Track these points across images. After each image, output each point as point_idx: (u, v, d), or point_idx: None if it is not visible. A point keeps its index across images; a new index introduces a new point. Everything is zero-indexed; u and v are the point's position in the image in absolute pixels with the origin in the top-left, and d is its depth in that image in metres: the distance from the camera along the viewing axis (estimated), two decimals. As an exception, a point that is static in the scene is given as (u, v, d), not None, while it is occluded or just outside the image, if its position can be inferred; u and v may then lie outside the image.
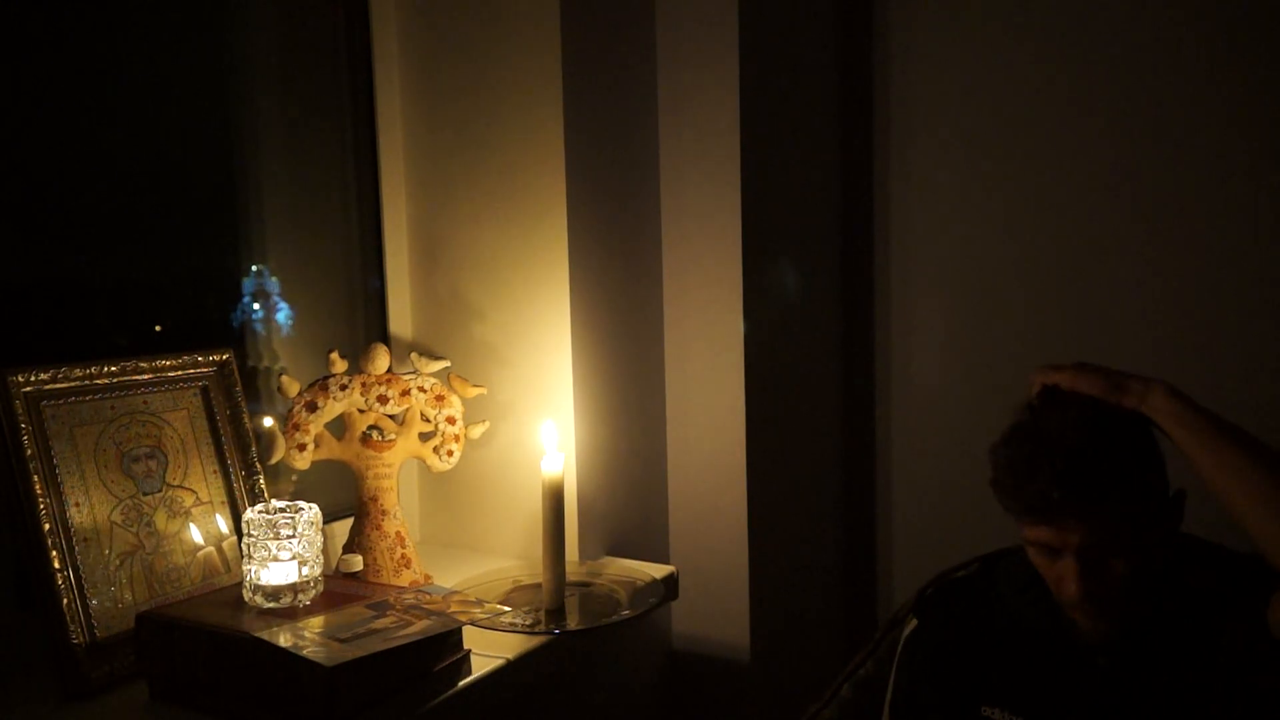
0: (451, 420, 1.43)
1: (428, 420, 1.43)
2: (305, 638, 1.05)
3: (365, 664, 1.02)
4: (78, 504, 1.16)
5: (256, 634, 1.05)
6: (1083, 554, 1.13)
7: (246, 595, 1.15)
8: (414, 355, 1.45)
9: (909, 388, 1.95)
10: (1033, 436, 1.15)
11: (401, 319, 1.68)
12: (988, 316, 1.88)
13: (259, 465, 1.34)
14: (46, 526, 1.12)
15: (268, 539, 1.14)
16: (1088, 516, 1.12)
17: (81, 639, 1.12)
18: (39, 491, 1.13)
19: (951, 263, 1.90)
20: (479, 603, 1.25)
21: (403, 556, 1.39)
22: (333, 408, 1.38)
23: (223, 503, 1.30)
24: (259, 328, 1.59)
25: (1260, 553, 1.09)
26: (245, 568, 1.15)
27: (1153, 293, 1.73)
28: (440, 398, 1.43)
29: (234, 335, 1.56)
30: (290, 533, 1.14)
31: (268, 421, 1.34)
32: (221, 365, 1.34)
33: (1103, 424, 1.16)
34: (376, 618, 1.12)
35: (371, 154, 1.66)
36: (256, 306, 1.59)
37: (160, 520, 1.24)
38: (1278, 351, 1.65)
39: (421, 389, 1.42)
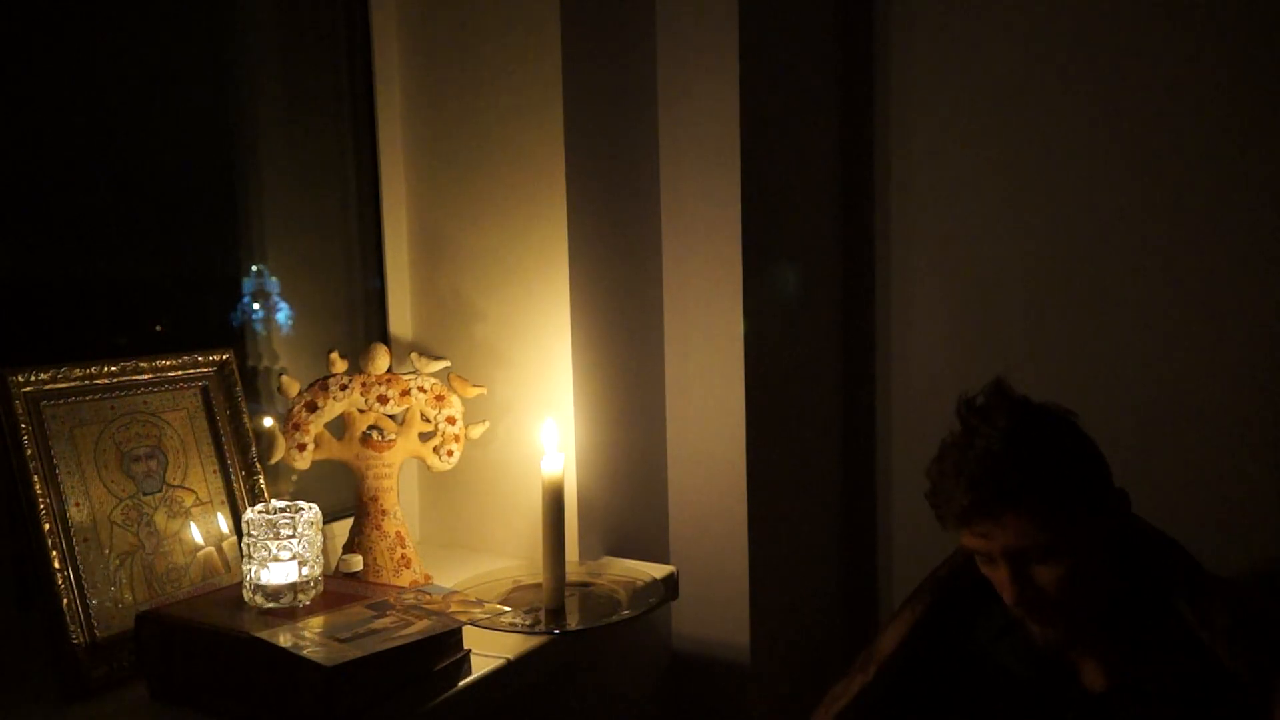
0: (451, 420, 1.43)
1: (428, 420, 1.43)
2: (305, 638, 1.05)
3: (365, 664, 1.02)
4: (78, 504, 1.16)
5: (256, 634, 1.05)
6: (1010, 558, 1.14)
7: (246, 595, 1.15)
8: (414, 355, 1.45)
9: (909, 387, 1.95)
10: (957, 447, 1.18)
11: (401, 319, 1.68)
12: (989, 315, 1.88)
13: (259, 465, 1.34)
14: (46, 526, 1.12)
15: (268, 539, 1.14)
16: (1002, 520, 1.13)
17: (81, 639, 1.12)
18: (39, 491, 1.13)
19: (952, 261, 1.90)
20: (479, 603, 1.25)
21: (403, 556, 1.39)
22: (333, 408, 1.38)
23: (223, 503, 1.30)
24: (259, 328, 1.59)
25: None
26: (245, 568, 1.15)
27: (1153, 290, 1.73)
28: (440, 398, 1.43)
29: (234, 335, 1.56)
30: (290, 533, 1.14)
31: (268, 421, 1.34)
32: (221, 365, 1.34)
33: (1026, 431, 1.16)
34: (376, 618, 1.12)
35: (371, 154, 1.66)
36: (256, 306, 1.59)
37: (160, 520, 1.24)
38: (1278, 351, 1.65)
39: (421, 389, 1.42)
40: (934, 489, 1.20)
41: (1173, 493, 1.67)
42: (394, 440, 1.40)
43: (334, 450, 1.39)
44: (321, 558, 1.18)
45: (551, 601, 1.29)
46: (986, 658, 1.28)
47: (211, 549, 1.27)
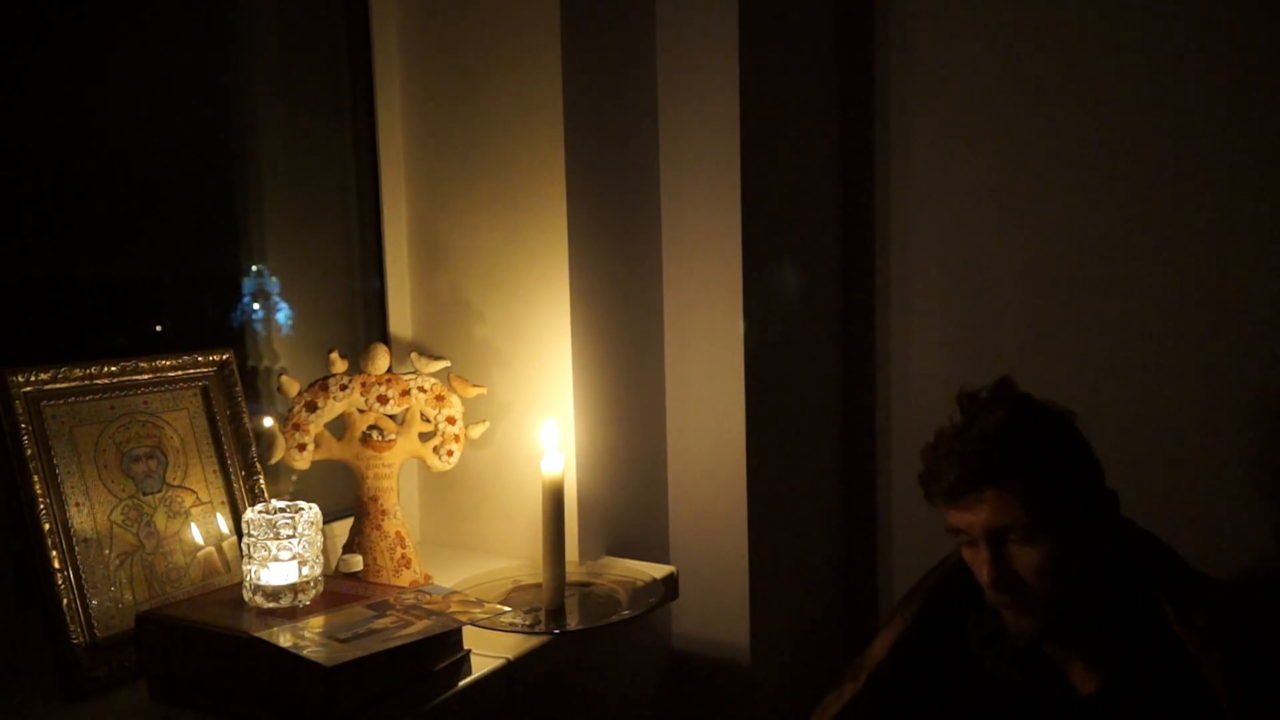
0: (451, 420, 1.43)
1: (428, 420, 1.43)
2: (305, 638, 1.05)
3: (365, 664, 1.02)
4: (78, 504, 1.16)
5: (256, 634, 1.05)
6: (990, 538, 1.16)
7: (246, 595, 1.15)
8: (414, 355, 1.45)
9: (909, 387, 1.95)
10: (954, 430, 1.20)
11: (401, 319, 1.68)
12: (988, 316, 1.88)
13: (259, 465, 1.34)
14: (46, 526, 1.12)
15: (268, 539, 1.14)
16: (985, 496, 1.15)
17: (81, 639, 1.12)
18: (39, 491, 1.13)
19: (952, 262, 1.90)
20: (479, 603, 1.25)
21: (403, 556, 1.39)
22: (333, 408, 1.38)
23: (223, 503, 1.30)
24: (259, 328, 1.59)
25: None
26: (245, 568, 1.15)
27: (1152, 294, 1.73)
28: (440, 398, 1.43)
29: (234, 335, 1.56)
30: (290, 533, 1.14)
31: (268, 421, 1.34)
32: (221, 365, 1.34)
33: (1022, 420, 1.19)
34: (376, 618, 1.12)
35: (371, 154, 1.66)
36: (256, 306, 1.59)
37: (160, 520, 1.24)
38: (1276, 354, 1.65)
39: (421, 389, 1.42)
40: (926, 470, 1.22)
41: (1167, 496, 1.67)
42: (394, 440, 1.40)
43: (334, 450, 1.39)
44: (321, 558, 1.18)
45: (551, 601, 1.29)
46: (977, 664, 1.29)
47: (211, 549, 1.28)
